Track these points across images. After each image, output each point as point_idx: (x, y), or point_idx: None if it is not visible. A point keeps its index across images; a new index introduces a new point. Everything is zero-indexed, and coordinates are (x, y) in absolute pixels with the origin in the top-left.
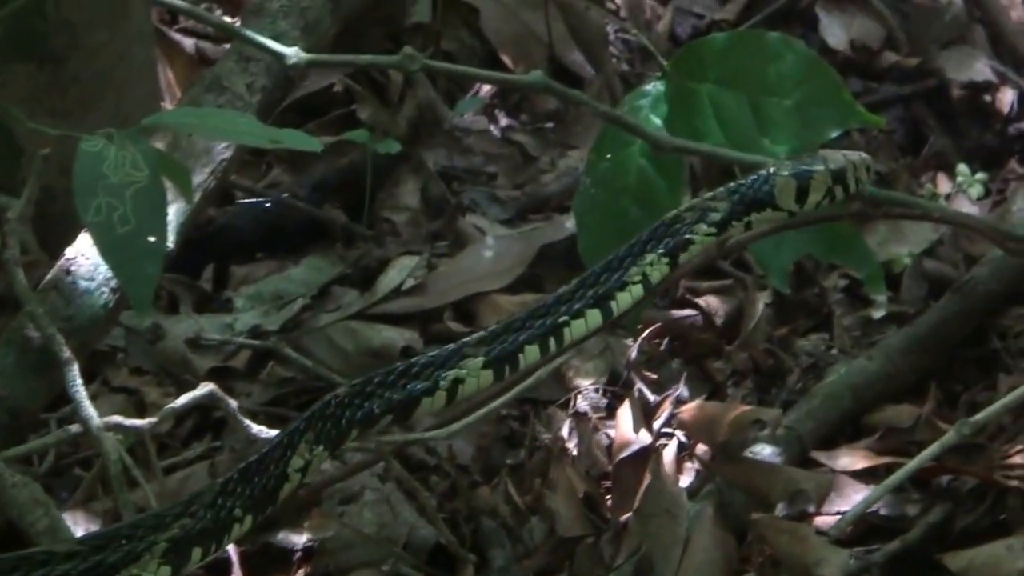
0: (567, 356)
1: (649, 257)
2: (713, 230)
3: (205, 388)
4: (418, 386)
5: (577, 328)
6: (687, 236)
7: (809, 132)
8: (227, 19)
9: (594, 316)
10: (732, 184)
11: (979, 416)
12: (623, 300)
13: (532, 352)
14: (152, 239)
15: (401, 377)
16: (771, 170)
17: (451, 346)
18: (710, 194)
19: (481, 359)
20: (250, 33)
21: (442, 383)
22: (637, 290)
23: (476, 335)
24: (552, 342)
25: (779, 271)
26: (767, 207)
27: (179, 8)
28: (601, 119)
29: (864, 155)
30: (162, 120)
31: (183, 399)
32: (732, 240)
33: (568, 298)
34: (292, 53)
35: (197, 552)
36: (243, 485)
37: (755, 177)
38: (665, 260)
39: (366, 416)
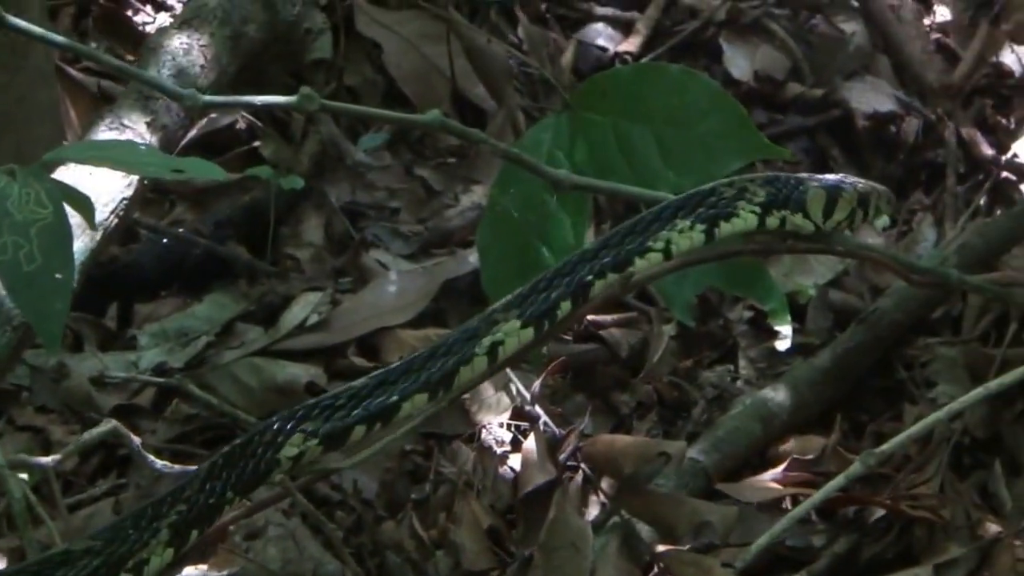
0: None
1: (680, 224)
2: (757, 210)
3: (107, 424)
4: (451, 360)
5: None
6: (730, 209)
7: (714, 164)
8: (130, 56)
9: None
10: (763, 175)
11: (885, 447)
12: (652, 260)
13: (566, 308)
14: (59, 276)
15: (428, 360)
16: (800, 177)
17: (478, 317)
18: (746, 176)
19: (516, 321)
20: (148, 75)
21: (478, 350)
22: (655, 257)
23: (502, 301)
24: (581, 300)
25: (682, 304)
26: (799, 211)
27: (77, 50)
28: (499, 157)
29: (887, 189)
30: (64, 154)
31: (86, 436)
32: (637, 277)
33: (591, 256)
34: (189, 95)
35: (194, 533)
36: (230, 469)
37: (783, 176)
38: (701, 228)
39: (382, 406)
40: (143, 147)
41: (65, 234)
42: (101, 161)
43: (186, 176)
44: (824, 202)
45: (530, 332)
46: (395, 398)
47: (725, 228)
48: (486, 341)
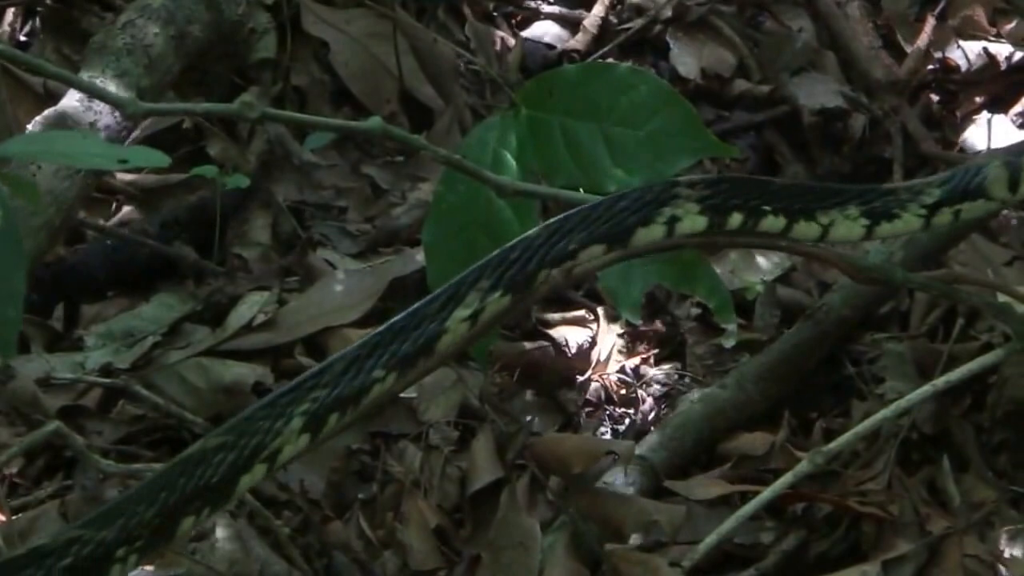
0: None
1: (851, 209)
2: (924, 212)
3: (50, 426)
4: (631, 218)
5: (771, 224)
6: (895, 210)
7: (662, 162)
8: (77, 57)
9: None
10: (943, 174)
11: (832, 445)
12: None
13: (736, 220)
14: (10, 282)
15: (608, 211)
16: (978, 163)
17: (661, 184)
18: (926, 179)
19: (696, 205)
20: (88, 82)
21: (659, 218)
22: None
23: (688, 178)
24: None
25: (629, 301)
26: (979, 197)
27: (16, 57)
28: (441, 164)
29: None
30: (9, 149)
31: (29, 438)
32: (579, 268)
33: (782, 194)
34: (130, 101)
35: (334, 417)
36: (384, 347)
37: (964, 170)
38: (864, 223)
39: (561, 254)
40: (87, 137)
41: (16, 239)
42: (46, 155)
43: (131, 165)
44: (1007, 179)
45: (704, 221)
46: (573, 246)
47: (884, 228)
48: (667, 211)
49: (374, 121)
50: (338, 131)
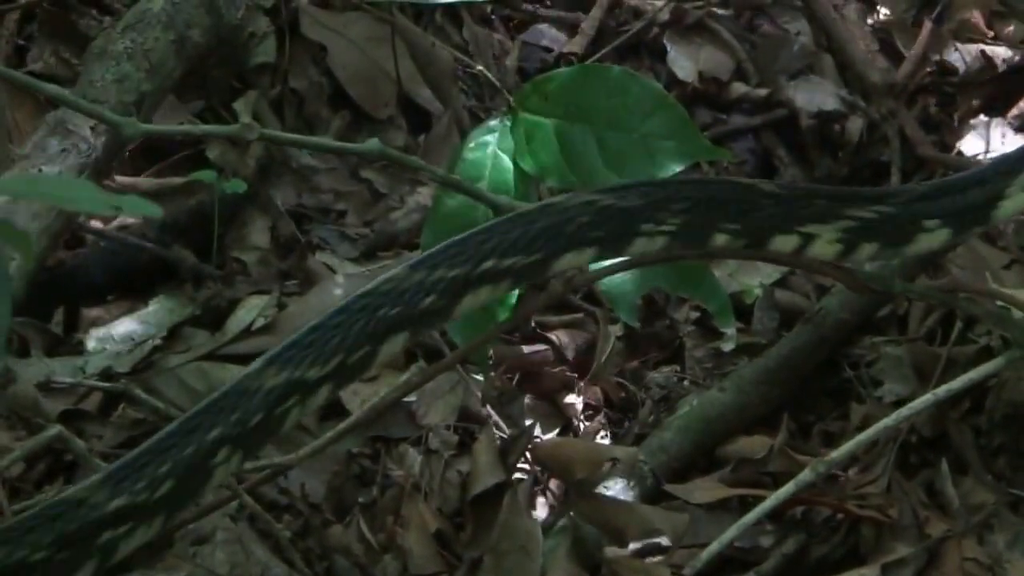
0: None
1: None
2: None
3: (52, 430)
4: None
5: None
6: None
7: (655, 166)
8: (76, 60)
9: None
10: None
11: (834, 454)
12: None
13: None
14: None
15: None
16: None
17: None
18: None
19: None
20: (85, 103)
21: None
22: None
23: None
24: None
25: (627, 305)
26: None
27: (12, 78)
28: (438, 183)
29: None
30: None
31: (30, 442)
32: (579, 278)
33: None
34: (128, 123)
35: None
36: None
37: None
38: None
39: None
40: (77, 181)
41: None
42: (35, 195)
43: (122, 212)
44: None
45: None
46: None
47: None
48: None
49: (372, 143)
50: (336, 151)
